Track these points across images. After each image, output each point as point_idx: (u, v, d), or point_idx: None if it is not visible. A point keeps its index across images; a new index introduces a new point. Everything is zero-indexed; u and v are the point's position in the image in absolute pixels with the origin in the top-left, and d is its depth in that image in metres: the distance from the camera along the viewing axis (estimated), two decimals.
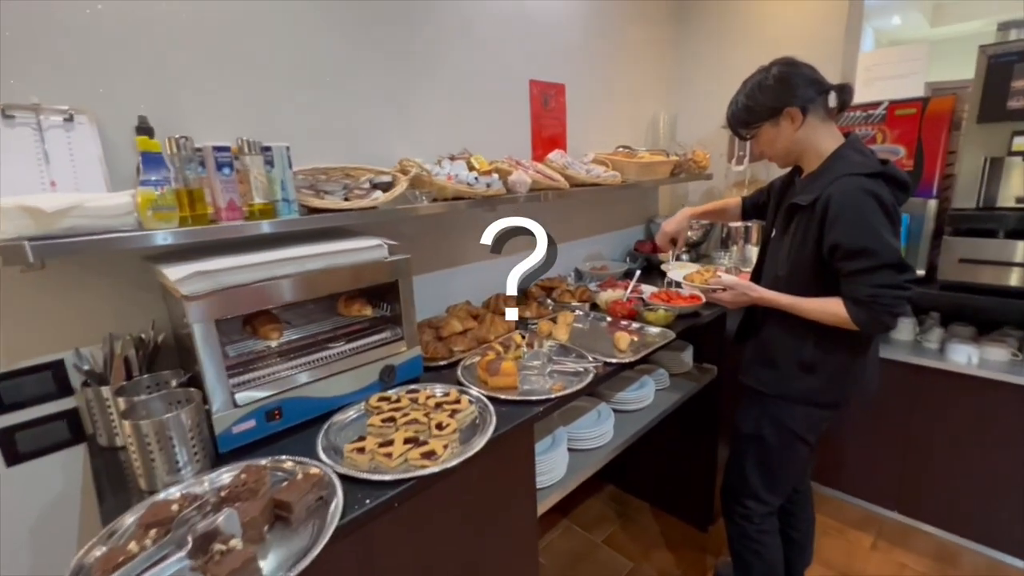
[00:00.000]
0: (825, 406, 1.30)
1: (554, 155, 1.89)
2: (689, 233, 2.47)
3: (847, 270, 1.14)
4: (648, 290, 1.88)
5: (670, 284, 1.94)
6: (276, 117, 1.31)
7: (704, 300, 1.71)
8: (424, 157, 1.51)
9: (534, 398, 1.18)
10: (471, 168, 1.51)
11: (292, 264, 1.03)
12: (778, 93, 1.20)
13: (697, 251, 2.59)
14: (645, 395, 1.68)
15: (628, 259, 2.45)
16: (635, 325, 1.61)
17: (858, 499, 2.16)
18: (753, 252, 2.33)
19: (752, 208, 1.68)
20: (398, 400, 1.15)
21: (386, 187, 1.29)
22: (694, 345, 1.95)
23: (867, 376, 1.30)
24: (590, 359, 1.36)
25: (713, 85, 2.55)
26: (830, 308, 1.18)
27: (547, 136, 2.06)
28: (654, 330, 1.56)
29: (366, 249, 1.15)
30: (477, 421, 1.10)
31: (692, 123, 2.65)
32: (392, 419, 1.06)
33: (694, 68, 2.64)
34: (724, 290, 1.40)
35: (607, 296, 1.80)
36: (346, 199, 1.22)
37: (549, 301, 1.83)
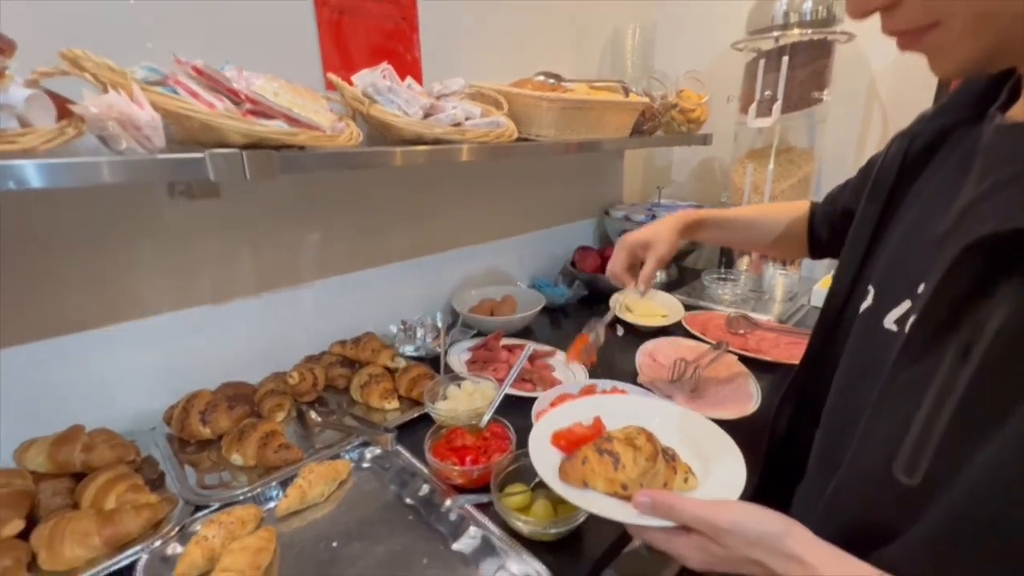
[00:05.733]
0: None
1: (361, 76, 0.84)
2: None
3: None
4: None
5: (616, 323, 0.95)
6: None
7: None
8: None
9: None
10: None
11: None
12: None
13: (679, 267, 1.54)
14: None
15: (560, 281, 1.41)
16: (482, 528, 0.58)
17: None
18: (778, 282, 1.27)
19: (843, 221, 0.61)
20: None
21: None
22: None
23: None
24: None
25: None
26: None
27: (367, 42, 0.98)
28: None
29: None
30: None
31: (680, 44, 1.56)
32: None
33: None
34: (683, 531, 0.38)
35: (447, 408, 0.76)
36: None
37: (314, 415, 0.79)
